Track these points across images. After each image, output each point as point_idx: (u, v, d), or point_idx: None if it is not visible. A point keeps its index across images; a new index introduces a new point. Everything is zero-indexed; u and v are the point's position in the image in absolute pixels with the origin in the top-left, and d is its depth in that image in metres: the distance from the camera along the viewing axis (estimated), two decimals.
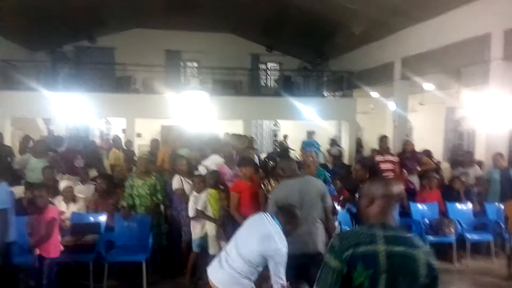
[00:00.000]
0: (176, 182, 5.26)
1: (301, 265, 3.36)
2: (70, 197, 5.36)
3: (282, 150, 9.26)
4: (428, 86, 10.72)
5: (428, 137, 12.48)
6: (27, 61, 12.33)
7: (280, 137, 16.05)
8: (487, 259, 6.05)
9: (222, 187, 5.02)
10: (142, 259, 4.78)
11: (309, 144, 5.11)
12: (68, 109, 10.87)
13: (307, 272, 3.34)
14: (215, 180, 4.98)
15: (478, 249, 6.26)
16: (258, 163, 6.50)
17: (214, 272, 2.97)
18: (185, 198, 5.15)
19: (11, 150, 8.53)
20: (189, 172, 5.38)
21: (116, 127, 13.56)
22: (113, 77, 13.01)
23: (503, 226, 5.97)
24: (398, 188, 1.89)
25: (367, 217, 1.83)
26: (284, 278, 2.78)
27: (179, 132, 8.29)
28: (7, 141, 10.42)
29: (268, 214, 3.10)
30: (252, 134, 13.76)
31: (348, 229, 4.42)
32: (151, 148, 8.16)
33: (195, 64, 15.39)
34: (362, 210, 1.85)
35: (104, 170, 7.71)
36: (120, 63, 12.92)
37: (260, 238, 2.82)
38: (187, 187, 5.23)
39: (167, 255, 5.37)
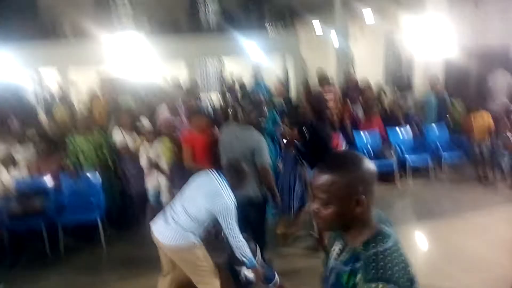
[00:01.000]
0: (117, 136, 5.10)
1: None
2: (9, 161, 5.06)
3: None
4: (366, 12, 10.75)
5: (369, 64, 12.76)
6: None
7: (227, 76, 15.77)
8: (426, 178, 6.57)
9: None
10: (96, 217, 4.73)
11: (257, 87, 5.03)
12: None
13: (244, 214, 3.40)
14: (167, 129, 4.89)
15: (418, 170, 6.76)
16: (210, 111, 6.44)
17: (158, 227, 2.95)
18: (127, 153, 5.05)
19: None
20: (133, 125, 5.21)
21: (49, 79, 12.63)
22: (37, 23, 11.85)
23: (439, 146, 6.48)
24: None
25: None
26: (237, 231, 2.81)
27: (118, 83, 7.83)
28: None
29: (213, 170, 3.07)
30: (197, 75, 13.42)
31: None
32: (88, 99, 7.75)
33: (126, 1, 14.24)
34: None
35: (42, 128, 7.25)
36: (45, 8, 11.76)
37: (207, 195, 2.81)
38: (130, 140, 5.10)
39: (122, 211, 5.32)
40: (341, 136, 5.73)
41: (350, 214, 1.25)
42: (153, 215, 4.87)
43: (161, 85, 8.75)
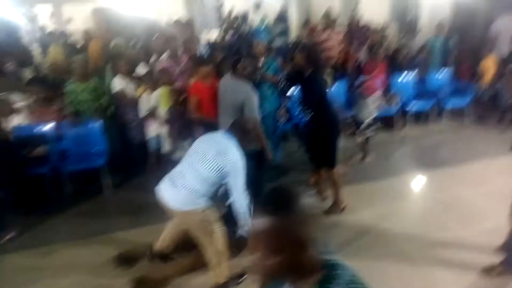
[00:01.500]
0: (117, 84, 5.01)
1: None
2: (8, 110, 5.01)
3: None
4: None
5: (375, 5, 12.19)
6: None
7: (225, 11, 15.14)
8: (427, 125, 6.56)
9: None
10: (100, 163, 4.79)
11: (257, 32, 4.83)
12: None
13: None
14: (167, 77, 4.80)
15: (420, 116, 6.74)
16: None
17: (166, 191, 2.87)
18: (127, 100, 5.00)
19: None
20: (130, 71, 5.10)
21: (42, 15, 12.15)
22: None
23: (443, 92, 6.40)
24: None
25: None
26: (244, 193, 2.76)
27: (110, 17, 7.50)
28: None
29: (221, 129, 3.07)
30: (194, 11, 12.89)
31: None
32: (84, 41, 7.51)
33: None
34: None
35: (39, 72, 7.11)
36: None
37: (216, 154, 2.74)
38: (130, 87, 5.01)
39: (124, 157, 5.37)
40: (378, 81, 5.65)
41: (299, 259, 1.11)
42: (155, 163, 5.01)
43: (160, 24, 8.41)
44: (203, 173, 2.76)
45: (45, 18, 11.50)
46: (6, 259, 3.78)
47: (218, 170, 2.73)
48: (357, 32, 7.20)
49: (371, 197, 4.52)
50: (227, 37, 9.37)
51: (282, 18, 12.87)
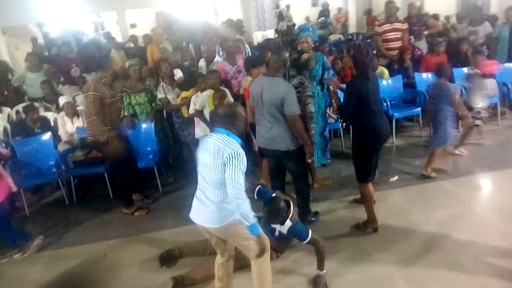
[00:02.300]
0: (160, 90, 5.21)
1: (273, 158, 3.80)
2: (72, 112, 5.42)
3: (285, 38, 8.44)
4: None
5: None
6: None
7: (283, 7, 15.12)
8: (494, 122, 6.05)
9: (223, 87, 4.96)
10: (153, 165, 5.01)
11: (303, 29, 4.75)
12: (57, 9, 10.31)
13: (282, 165, 3.78)
14: (215, 80, 4.87)
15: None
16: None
17: (199, 215, 2.74)
18: (168, 107, 5.21)
19: (8, 66, 8.40)
20: (170, 76, 5.29)
21: (109, 20, 12.96)
22: None
23: (510, 87, 5.85)
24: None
25: None
26: (240, 184, 2.49)
27: (168, 21, 7.81)
28: (3, 53, 10.24)
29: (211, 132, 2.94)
30: (251, 8, 12.99)
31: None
32: (144, 45, 7.88)
33: None
34: None
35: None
36: None
37: (213, 154, 2.55)
38: (170, 95, 5.20)
39: (177, 156, 5.57)
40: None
41: None
42: None
43: (217, 26, 8.58)
44: (212, 178, 2.60)
45: (111, 24, 12.23)
46: (62, 254, 4.09)
47: (219, 169, 2.54)
48: (416, 23, 6.79)
49: (423, 199, 4.28)
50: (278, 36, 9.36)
51: (281, 15, 12.68)
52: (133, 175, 4.72)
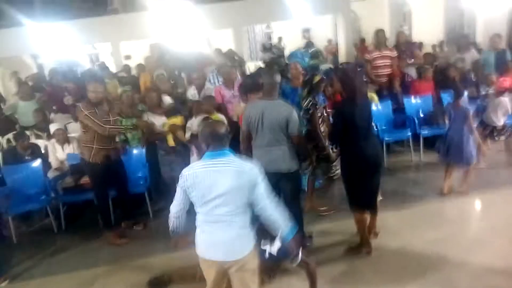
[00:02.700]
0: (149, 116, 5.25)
1: (271, 182, 3.49)
2: (63, 139, 5.40)
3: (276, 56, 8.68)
4: None
5: (427, 21, 11.86)
6: None
7: (274, 40, 15.47)
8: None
9: (219, 112, 4.98)
10: (143, 190, 4.96)
11: (292, 56, 4.90)
12: (52, 40, 10.45)
13: (279, 188, 3.57)
14: (209, 106, 4.89)
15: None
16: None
17: (217, 249, 2.51)
18: (153, 135, 5.16)
19: (1, 96, 8.43)
20: (158, 104, 5.35)
21: (103, 52, 13.14)
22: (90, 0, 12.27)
23: None
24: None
25: None
26: (270, 195, 2.51)
27: (161, 51, 7.95)
28: None
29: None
30: (243, 41, 13.24)
31: None
32: (137, 74, 7.97)
33: None
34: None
35: None
36: None
37: (236, 178, 2.40)
38: (157, 120, 5.23)
39: (164, 184, 5.50)
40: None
41: None
42: None
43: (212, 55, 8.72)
44: (242, 203, 2.45)
45: (106, 56, 12.39)
46: (49, 282, 3.97)
47: (242, 190, 2.42)
48: (404, 49, 6.96)
49: (416, 220, 4.24)
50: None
51: (265, 47, 13.05)
52: (122, 201, 4.71)
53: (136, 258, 4.16)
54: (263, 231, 2.93)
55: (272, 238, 2.93)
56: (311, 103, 4.37)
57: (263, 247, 2.94)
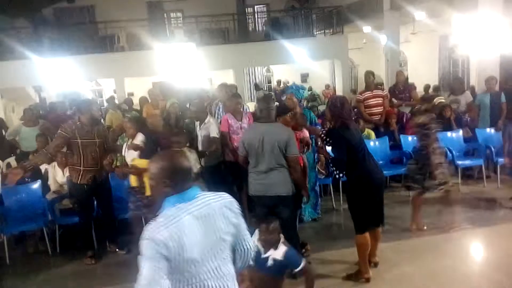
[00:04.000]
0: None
1: (268, 206, 3.66)
2: (64, 163, 5.43)
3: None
4: (419, 15, 10.44)
5: (422, 67, 12.32)
6: (9, 28, 11.98)
7: (274, 83, 15.92)
8: (478, 183, 6.19)
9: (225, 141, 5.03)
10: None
11: (288, 88, 5.14)
12: (56, 74, 10.73)
13: (275, 212, 3.55)
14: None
15: (471, 175, 6.42)
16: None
17: None
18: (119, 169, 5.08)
19: (3, 122, 8.55)
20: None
21: (107, 88, 13.44)
22: (96, 37, 12.71)
23: (493, 150, 6.08)
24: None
25: None
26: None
27: (164, 86, 8.13)
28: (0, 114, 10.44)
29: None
30: (244, 82, 13.63)
31: None
32: (140, 106, 8.13)
33: (179, 14, 14.90)
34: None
35: None
36: (102, 21, 12.58)
37: (224, 218, 1.84)
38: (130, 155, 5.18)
39: None
40: None
41: None
42: None
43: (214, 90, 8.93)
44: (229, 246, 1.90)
45: (109, 92, 12.66)
46: None
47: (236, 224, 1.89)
48: (403, 90, 7.23)
49: (415, 252, 4.23)
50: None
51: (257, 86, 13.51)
52: (109, 224, 4.76)
53: (130, 280, 4.06)
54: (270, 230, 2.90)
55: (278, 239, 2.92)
56: None
57: (265, 255, 2.92)
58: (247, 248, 1.96)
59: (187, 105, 7.29)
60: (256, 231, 2.95)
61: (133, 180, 4.60)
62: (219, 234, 1.79)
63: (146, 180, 4.22)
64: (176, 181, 1.76)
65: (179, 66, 11.36)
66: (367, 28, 12.79)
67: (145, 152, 4.51)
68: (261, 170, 3.66)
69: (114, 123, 7.42)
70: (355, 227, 3.69)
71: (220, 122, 5.46)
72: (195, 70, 11.65)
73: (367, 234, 3.67)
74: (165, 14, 14.88)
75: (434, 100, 6.16)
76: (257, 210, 3.85)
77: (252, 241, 2.00)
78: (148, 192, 4.28)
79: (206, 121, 5.85)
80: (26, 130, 6.80)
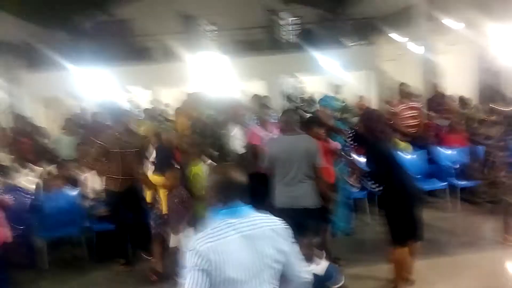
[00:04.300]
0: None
1: (295, 219, 3.49)
2: (103, 172, 5.58)
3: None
4: (456, 25, 10.17)
5: (460, 79, 11.93)
6: (51, 41, 12.53)
7: (306, 94, 15.83)
8: None
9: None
10: None
11: (321, 100, 5.11)
12: (95, 85, 11.15)
13: (302, 225, 3.41)
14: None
15: None
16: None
17: None
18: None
19: (46, 131, 8.89)
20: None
21: (144, 99, 13.77)
22: (133, 49, 13.11)
23: None
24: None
25: None
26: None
27: (197, 98, 8.24)
28: (42, 124, 10.87)
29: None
30: (276, 93, 13.64)
31: None
32: (175, 118, 8.27)
33: (213, 27, 15.15)
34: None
35: None
36: (140, 35, 13.00)
37: (275, 239, 1.76)
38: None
39: None
40: None
41: None
42: None
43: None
44: (277, 270, 1.77)
45: (146, 103, 12.97)
46: None
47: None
48: (437, 102, 7.05)
49: (454, 271, 4.08)
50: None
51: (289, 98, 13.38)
52: (142, 233, 4.76)
53: None
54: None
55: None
56: None
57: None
58: (301, 281, 1.83)
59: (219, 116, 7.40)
60: None
61: (148, 196, 4.68)
62: (266, 260, 1.69)
63: (162, 197, 4.26)
64: (227, 195, 1.74)
65: (213, 78, 11.55)
66: (402, 39, 12.57)
67: (157, 167, 4.62)
68: (287, 182, 3.65)
69: (149, 134, 7.59)
70: (393, 240, 3.60)
71: (250, 133, 5.48)
72: (227, 81, 11.80)
73: (406, 250, 3.58)
74: (199, 27, 15.16)
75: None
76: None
77: (307, 272, 1.89)
78: (164, 210, 4.23)
79: (232, 133, 5.91)
80: (66, 139, 7.06)
